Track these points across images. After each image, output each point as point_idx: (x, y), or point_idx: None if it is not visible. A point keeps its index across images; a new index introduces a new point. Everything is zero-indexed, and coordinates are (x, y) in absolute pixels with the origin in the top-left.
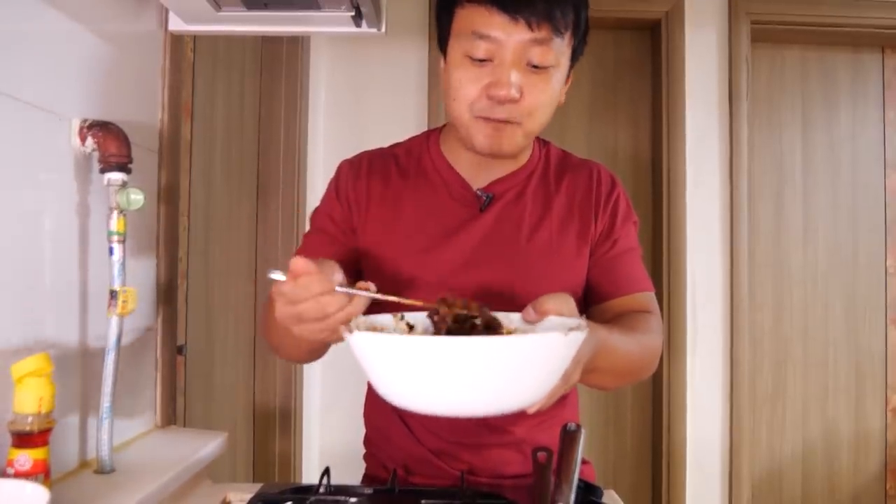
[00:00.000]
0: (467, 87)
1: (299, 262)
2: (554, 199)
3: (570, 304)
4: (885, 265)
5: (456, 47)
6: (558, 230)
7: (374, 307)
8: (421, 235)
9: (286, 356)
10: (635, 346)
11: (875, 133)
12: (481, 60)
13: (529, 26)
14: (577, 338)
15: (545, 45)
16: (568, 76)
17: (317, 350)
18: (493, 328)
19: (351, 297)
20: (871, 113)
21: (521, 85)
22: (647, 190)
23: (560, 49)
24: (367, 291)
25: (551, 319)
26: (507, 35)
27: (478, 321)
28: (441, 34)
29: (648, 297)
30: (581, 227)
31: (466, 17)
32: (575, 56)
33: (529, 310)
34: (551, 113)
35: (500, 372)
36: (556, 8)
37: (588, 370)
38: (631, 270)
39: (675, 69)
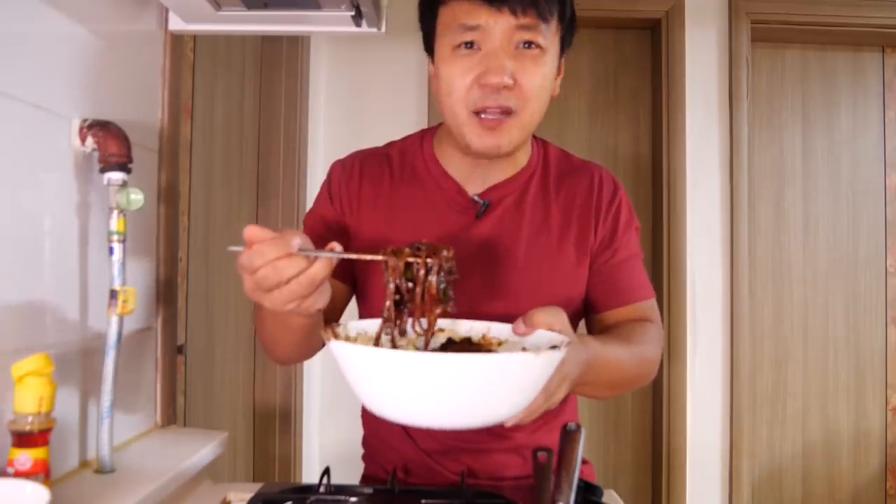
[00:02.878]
0: (459, 78)
1: (253, 230)
2: (553, 206)
3: (560, 317)
4: (885, 265)
5: (443, 43)
6: (557, 240)
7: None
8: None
9: (280, 355)
10: (630, 357)
11: (875, 133)
12: (469, 46)
13: (514, 13)
14: (551, 357)
15: (533, 30)
16: (559, 68)
17: (306, 341)
18: (451, 272)
19: (312, 259)
20: (872, 113)
21: (513, 71)
22: (647, 190)
23: (548, 34)
24: (330, 252)
25: (540, 334)
26: (493, 21)
27: (431, 267)
28: (426, 35)
29: (649, 306)
30: (580, 236)
31: (451, 13)
32: (563, 46)
33: (520, 323)
34: (546, 102)
35: (471, 388)
36: None
37: (580, 383)
38: (631, 279)
39: (675, 69)
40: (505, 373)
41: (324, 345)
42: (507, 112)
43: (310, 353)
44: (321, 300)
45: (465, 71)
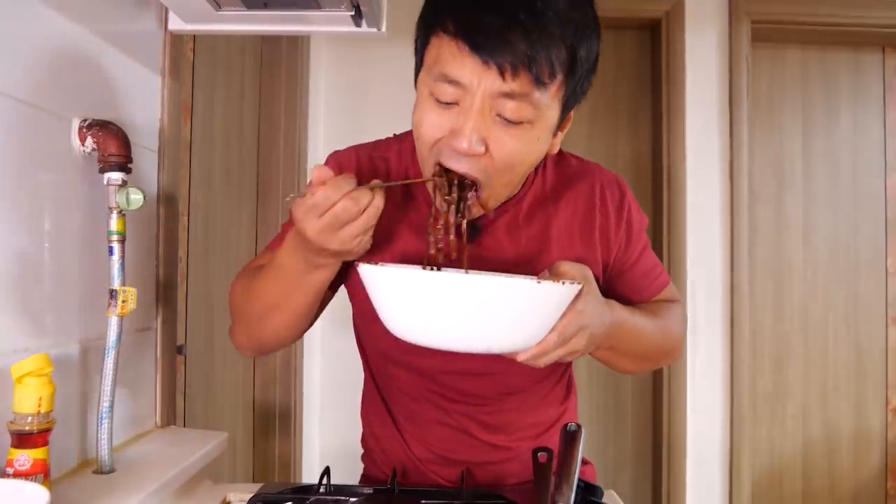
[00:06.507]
0: (429, 130)
1: (323, 169)
2: (552, 224)
3: (585, 271)
4: (885, 265)
5: (424, 81)
6: (558, 256)
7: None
8: (405, 262)
9: (274, 327)
10: (656, 330)
11: (875, 133)
12: (447, 104)
13: (502, 75)
14: (554, 288)
15: (520, 101)
16: (564, 122)
17: (309, 309)
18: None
19: (373, 190)
20: (872, 113)
21: (485, 138)
22: (647, 190)
23: (543, 101)
24: (385, 183)
25: None
26: (477, 81)
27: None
28: (416, 59)
29: (669, 289)
30: (585, 250)
31: (437, 50)
32: (573, 101)
33: (546, 273)
34: (531, 165)
35: (487, 307)
36: (541, 52)
37: (606, 348)
38: (650, 272)
39: (675, 69)
40: (507, 296)
41: (308, 327)
42: (472, 185)
43: (305, 323)
44: (369, 239)
45: (436, 123)
